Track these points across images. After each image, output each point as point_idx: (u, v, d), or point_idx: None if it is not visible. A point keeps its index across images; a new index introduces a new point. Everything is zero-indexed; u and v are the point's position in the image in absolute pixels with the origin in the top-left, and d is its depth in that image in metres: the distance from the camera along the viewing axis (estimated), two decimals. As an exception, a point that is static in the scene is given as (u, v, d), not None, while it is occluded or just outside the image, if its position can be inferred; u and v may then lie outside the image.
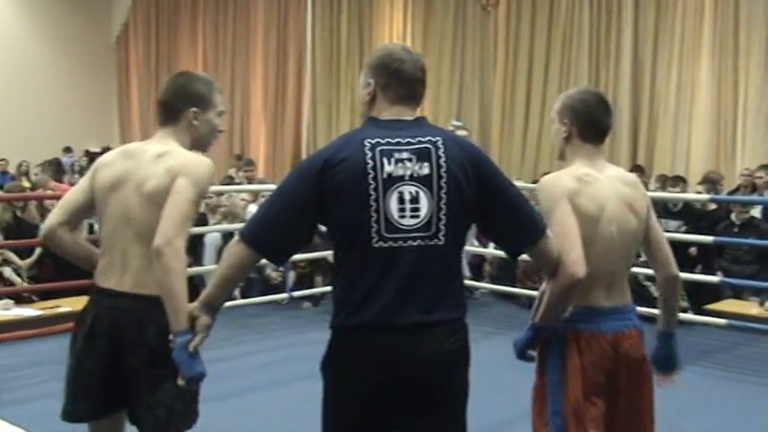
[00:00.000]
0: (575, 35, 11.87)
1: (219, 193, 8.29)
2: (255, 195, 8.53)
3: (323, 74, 14.54)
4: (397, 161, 2.41)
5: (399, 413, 2.46)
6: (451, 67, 13.05)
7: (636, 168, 10.10)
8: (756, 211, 8.44)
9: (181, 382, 2.57)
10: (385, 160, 2.41)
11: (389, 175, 2.40)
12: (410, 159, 2.42)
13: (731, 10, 10.55)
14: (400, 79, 2.52)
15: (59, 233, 2.88)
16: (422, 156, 2.43)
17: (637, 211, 2.88)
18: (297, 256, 7.18)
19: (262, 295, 7.75)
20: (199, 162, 2.79)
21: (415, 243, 2.41)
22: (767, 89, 10.33)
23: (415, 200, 2.41)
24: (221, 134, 3.03)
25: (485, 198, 2.48)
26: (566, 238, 2.68)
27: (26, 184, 11.81)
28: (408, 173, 2.41)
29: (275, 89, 15.33)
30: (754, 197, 8.89)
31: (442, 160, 2.43)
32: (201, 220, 7.91)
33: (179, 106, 2.89)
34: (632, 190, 2.90)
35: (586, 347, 2.79)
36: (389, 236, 2.39)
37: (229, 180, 11.26)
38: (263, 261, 2.58)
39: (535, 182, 10.39)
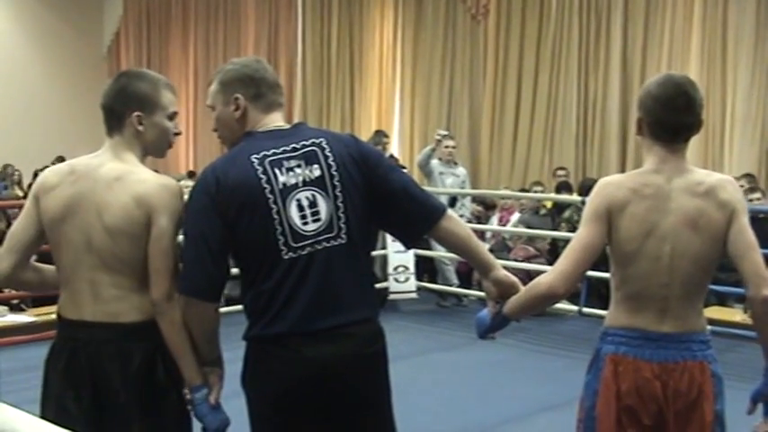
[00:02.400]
0: (564, 44, 11.93)
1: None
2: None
3: (313, 83, 14.59)
4: (288, 170, 2.41)
5: (325, 418, 2.45)
6: (441, 76, 13.10)
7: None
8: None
9: None
10: (277, 171, 2.40)
11: (284, 184, 2.40)
12: (299, 165, 2.42)
13: (719, 19, 10.64)
14: (269, 86, 2.53)
15: (19, 276, 2.61)
16: (309, 159, 2.43)
17: (701, 228, 2.47)
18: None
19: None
20: (170, 192, 2.51)
21: (320, 246, 2.41)
22: (754, 97, 10.40)
23: (313, 204, 2.41)
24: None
25: (375, 186, 2.48)
26: (568, 251, 2.52)
27: (19, 192, 11.82)
28: (301, 179, 2.41)
29: (267, 98, 15.34)
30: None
31: (330, 159, 2.44)
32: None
33: (121, 111, 2.55)
34: (703, 201, 2.48)
35: (625, 374, 2.52)
36: (297, 245, 2.39)
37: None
38: None
39: (523, 190, 10.51)
